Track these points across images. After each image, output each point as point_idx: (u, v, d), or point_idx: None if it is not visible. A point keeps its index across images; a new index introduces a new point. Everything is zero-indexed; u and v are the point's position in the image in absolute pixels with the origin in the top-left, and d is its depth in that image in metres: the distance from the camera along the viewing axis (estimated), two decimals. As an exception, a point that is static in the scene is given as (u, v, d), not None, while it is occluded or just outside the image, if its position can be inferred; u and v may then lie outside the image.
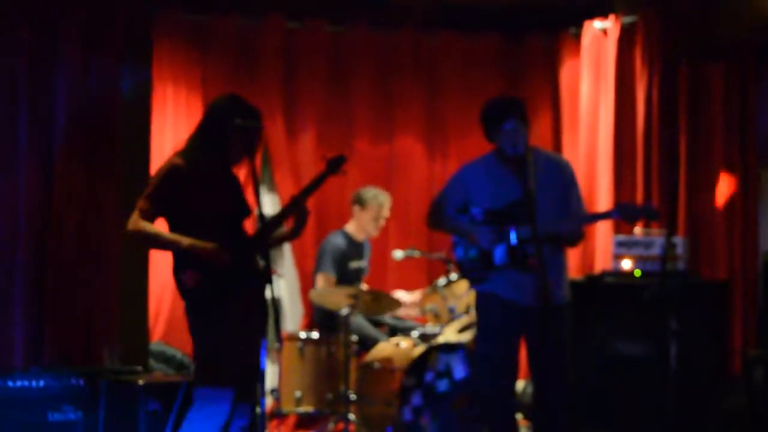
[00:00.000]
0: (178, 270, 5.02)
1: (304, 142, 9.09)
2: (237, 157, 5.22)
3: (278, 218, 5.29)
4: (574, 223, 5.82)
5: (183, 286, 4.99)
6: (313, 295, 7.60)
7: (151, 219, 4.97)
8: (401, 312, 8.10)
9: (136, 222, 4.94)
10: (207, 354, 5.02)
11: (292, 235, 5.44)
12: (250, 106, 5.20)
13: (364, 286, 7.85)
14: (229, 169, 5.29)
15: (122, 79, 6.72)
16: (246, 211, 5.24)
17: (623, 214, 5.78)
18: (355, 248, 8.13)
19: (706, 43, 8.49)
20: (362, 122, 9.31)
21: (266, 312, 5.11)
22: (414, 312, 8.19)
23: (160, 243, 5.05)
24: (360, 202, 8.11)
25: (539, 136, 8.84)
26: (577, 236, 5.90)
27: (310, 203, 8.65)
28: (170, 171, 5.04)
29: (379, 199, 8.09)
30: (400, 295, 8.10)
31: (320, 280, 7.95)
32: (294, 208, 5.30)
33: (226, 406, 4.99)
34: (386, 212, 8.15)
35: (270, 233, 5.18)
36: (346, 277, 7.93)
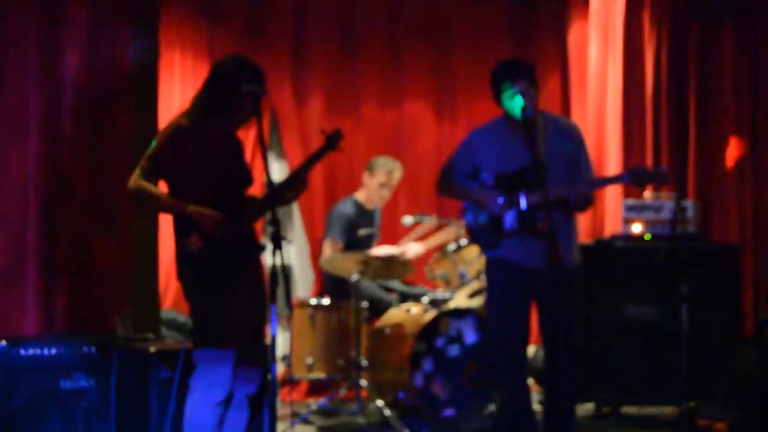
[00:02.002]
0: (181, 234, 5.00)
1: (312, 109, 9.09)
2: (242, 120, 5.18)
3: (282, 188, 5.26)
4: (584, 187, 5.79)
5: (186, 251, 4.97)
6: (323, 261, 7.60)
7: (151, 178, 4.94)
8: (412, 254, 8.06)
9: (136, 180, 4.93)
10: (203, 317, 5.02)
11: (290, 201, 5.48)
12: (255, 66, 5.15)
13: (376, 251, 7.84)
14: (233, 133, 5.26)
15: (130, 45, 6.69)
16: (247, 180, 5.21)
17: (633, 178, 5.75)
18: (364, 215, 8.11)
19: (716, 3, 8.44)
20: (371, 88, 9.29)
21: (275, 279, 5.09)
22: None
23: (162, 204, 5.04)
24: (369, 168, 8.09)
25: (548, 99, 8.81)
26: (586, 201, 5.87)
27: (320, 170, 8.75)
28: (174, 131, 5.01)
29: (388, 166, 8.06)
30: (412, 246, 8.09)
31: (327, 247, 7.94)
32: (294, 181, 5.29)
33: (228, 368, 5.00)
34: (395, 181, 8.12)
35: (275, 203, 5.15)
36: (355, 244, 7.91)
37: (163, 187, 5.08)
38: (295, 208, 8.52)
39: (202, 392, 4.99)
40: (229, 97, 5.04)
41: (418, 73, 9.35)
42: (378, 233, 8.29)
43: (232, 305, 5.01)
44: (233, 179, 5.14)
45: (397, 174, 8.10)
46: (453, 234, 7.97)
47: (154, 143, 5.04)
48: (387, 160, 8.10)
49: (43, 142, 6.35)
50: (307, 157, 5.45)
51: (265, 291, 5.17)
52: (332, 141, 5.39)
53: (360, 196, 8.18)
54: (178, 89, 8.34)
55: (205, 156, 5.01)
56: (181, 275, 5.10)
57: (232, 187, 5.11)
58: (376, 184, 8.07)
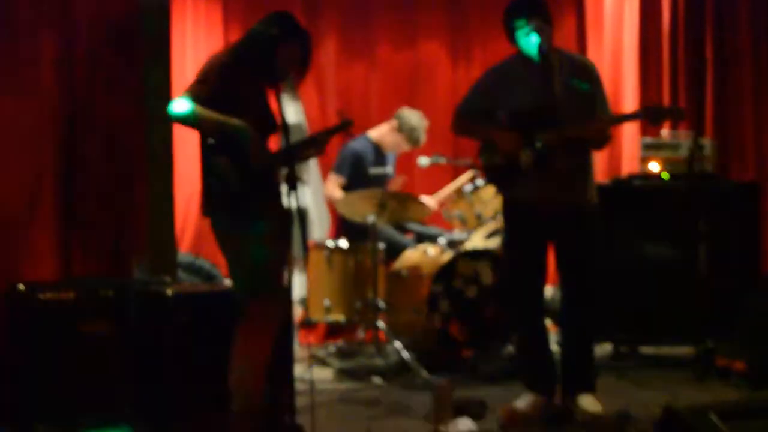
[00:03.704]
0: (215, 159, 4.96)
1: (326, 50, 9.07)
2: (279, 80, 5.15)
3: (299, 147, 5.25)
4: (600, 124, 5.75)
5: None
6: (339, 204, 7.58)
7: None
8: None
9: (183, 98, 4.83)
10: (249, 265, 4.98)
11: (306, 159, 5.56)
12: (302, 29, 5.14)
13: (395, 189, 7.80)
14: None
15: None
16: (274, 127, 5.17)
17: (649, 115, 5.72)
18: (377, 154, 8.07)
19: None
20: (385, 28, 9.26)
21: (291, 221, 5.08)
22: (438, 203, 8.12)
23: (217, 122, 4.85)
24: (402, 124, 7.98)
25: (564, 37, 8.75)
26: (603, 139, 5.84)
27: (333, 108, 8.72)
28: (221, 64, 4.94)
29: (419, 140, 8.00)
30: (425, 199, 8.08)
31: (329, 182, 7.95)
32: (312, 144, 5.27)
33: (276, 315, 4.99)
34: (419, 144, 8.07)
35: (293, 158, 5.12)
36: (367, 183, 7.84)
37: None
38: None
39: (254, 336, 4.97)
40: (272, 63, 5.02)
41: (432, 14, 9.31)
42: (393, 173, 8.24)
43: (276, 247, 4.99)
44: (264, 123, 5.09)
45: (419, 141, 8.05)
46: (463, 180, 7.94)
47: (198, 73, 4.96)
48: (422, 130, 7.99)
49: (58, 89, 6.32)
50: (325, 128, 5.47)
51: (288, 232, 5.13)
52: (346, 125, 5.40)
53: (374, 134, 8.13)
54: (190, 34, 8.31)
55: (243, 95, 4.96)
56: (216, 224, 5.06)
57: (263, 130, 5.06)
58: (397, 139, 8.03)
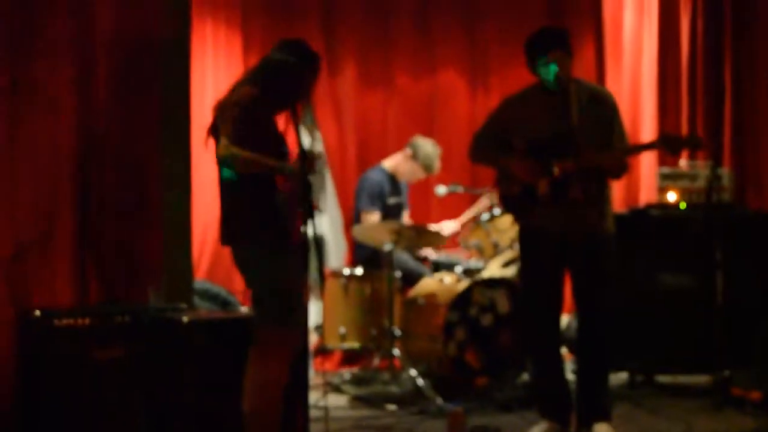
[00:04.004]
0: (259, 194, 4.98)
1: (345, 78, 9.10)
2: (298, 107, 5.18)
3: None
4: (617, 154, 5.76)
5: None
6: (356, 231, 7.60)
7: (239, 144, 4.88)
8: (447, 232, 8.06)
9: (227, 147, 4.81)
10: (275, 293, 4.98)
11: None
12: (316, 55, 5.21)
13: (407, 221, 7.82)
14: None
15: (161, 15, 6.67)
16: (287, 153, 5.18)
17: (666, 144, 5.73)
18: (392, 184, 8.10)
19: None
20: (403, 57, 9.28)
21: (307, 249, 5.08)
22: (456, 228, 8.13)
23: (258, 164, 4.88)
24: (416, 152, 8.02)
25: (583, 67, 8.75)
26: (621, 168, 5.85)
27: (353, 139, 8.77)
28: (251, 99, 4.97)
29: (431, 168, 8.03)
30: (446, 224, 8.09)
31: (368, 219, 7.94)
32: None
33: (296, 344, 5.00)
34: (434, 172, 8.09)
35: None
36: (387, 213, 7.89)
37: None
38: (328, 178, 8.52)
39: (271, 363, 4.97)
40: (293, 93, 5.07)
41: (451, 42, 9.33)
42: (406, 203, 8.26)
43: (294, 279, 5.00)
44: (280, 150, 5.11)
45: (435, 169, 8.07)
46: (485, 205, 7.96)
47: (229, 111, 4.97)
48: (432, 151, 8.02)
49: (75, 112, 6.34)
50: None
51: (306, 259, 5.15)
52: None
53: (389, 164, 8.16)
54: (210, 60, 8.34)
55: (269, 125, 5.00)
56: (238, 251, 5.08)
57: (281, 158, 5.08)
58: (413, 167, 8.06)
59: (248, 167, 4.87)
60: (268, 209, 4.94)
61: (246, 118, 4.91)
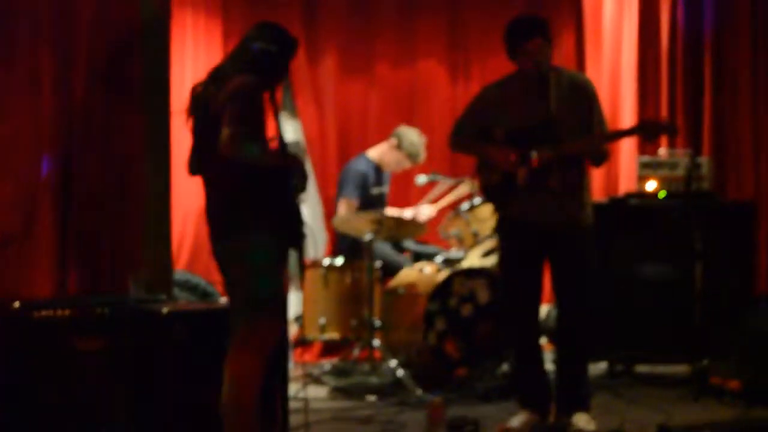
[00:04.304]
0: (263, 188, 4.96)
1: (325, 67, 9.09)
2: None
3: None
4: (596, 141, 5.76)
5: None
6: (337, 221, 7.59)
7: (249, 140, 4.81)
8: (424, 217, 8.06)
9: (240, 147, 4.78)
10: (257, 283, 4.96)
11: None
12: (295, 41, 5.19)
13: (389, 212, 7.81)
14: None
15: (141, 3, 6.65)
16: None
17: (643, 130, 5.76)
18: (376, 174, 8.09)
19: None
20: (384, 46, 9.28)
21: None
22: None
23: (268, 158, 4.87)
24: (400, 142, 8.00)
25: (562, 56, 8.77)
26: (601, 156, 5.86)
27: (333, 129, 8.77)
28: (253, 89, 4.94)
29: (417, 157, 8.01)
30: (423, 209, 8.09)
31: (342, 206, 7.94)
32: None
33: (276, 336, 5.00)
34: (419, 161, 8.08)
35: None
36: (368, 203, 7.89)
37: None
38: (308, 168, 8.52)
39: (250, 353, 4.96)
40: (275, 72, 5.07)
41: (431, 31, 9.32)
42: (388, 191, 8.25)
43: (277, 270, 4.99)
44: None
45: (421, 158, 8.05)
46: (465, 192, 7.95)
47: (233, 105, 4.92)
48: (417, 140, 8.00)
49: (56, 100, 6.33)
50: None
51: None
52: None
53: (373, 154, 8.14)
54: (190, 48, 8.32)
55: (262, 114, 4.99)
56: (222, 237, 5.05)
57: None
58: (398, 157, 8.04)
59: (263, 161, 4.86)
60: (281, 201, 4.93)
61: (253, 109, 4.88)
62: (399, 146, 8.00)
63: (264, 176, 4.89)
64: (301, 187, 4.96)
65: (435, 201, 8.19)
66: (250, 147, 4.74)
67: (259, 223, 4.89)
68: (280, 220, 4.93)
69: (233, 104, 4.82)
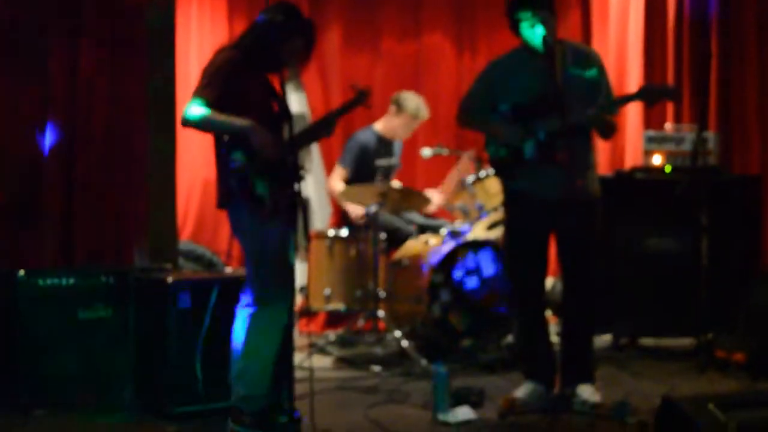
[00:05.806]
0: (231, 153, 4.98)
1: (330, 41, 9.07)
2: (283, 69, 5.17)
3: (308, 135, 5.51)
4: (597, 110, 5.71)
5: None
6: (341, 194, 7.58)
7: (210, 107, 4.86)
8: (431, 208, 8.06)
9: (183, 114, 4.85)
10: (266, 254, 4.97)
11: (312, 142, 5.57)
12: (305, 19, 5.18)
13: (396, 184, 7.79)
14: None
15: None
16: (285, 114, 5.14)
17: (644, 95, 5.73)
18: (383, 146, 8.06)
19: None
20: (389, 20, 9.26)
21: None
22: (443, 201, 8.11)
23: (225, 124, 4.88)
24: (399, 106, 7.99)
25: (568, 30, 8.75)
26: (609, 128, 5.83)
27: (338, 101, 8.74)
28: (227, 60, 4.97)
29: (420, 113, 7.98)
30: (434, 196, 8.09)
31: (333, 173, 7.96)
32: (324, 126, 5.38)
33: (285, 305, 5.01)
34: (421, 120, 8.05)
35: (300, 143, 5.21)
36: (372, 174, 7.84)
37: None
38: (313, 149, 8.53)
39: (263, 325, 4.97)
40: (276, 57, 5.05)
41: (437, 4, 9.31)
42: (398, 164, 8.24)
43: (284, 240, 5.01)
44: (272, 113, 5.09)
45: (424, 113, 8.02)
46: (466, 166, 7.92)
47: (204, 75, 4.95)
48: (419, 104, 7.98)
49: (61, 78, 6.33)
50: (339, 106, 5.60)
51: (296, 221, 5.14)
52: (362, 97, 5.57)
53: (379, 126, 8.12)
54: (195, 28, 8.32)
55: (250, 88, 4.98)
56: (232, 211, 5.06)
57: (273, 120, 5.06)
58: (403, 120, 8.01)
59: (208, 126, 4.88)
60: (257, 172, 4.93)
61: (219, 81, 4.89)
62: (399, 110, 7.97)
63: (233, 148, 4.93)
64: (261, 163, 4.93)
65: (441, 180, 8.18)
66: (190, 116, 4.82)
67: (234, 197, 4.97)
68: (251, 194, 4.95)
69: (205, 74, 4.93)
